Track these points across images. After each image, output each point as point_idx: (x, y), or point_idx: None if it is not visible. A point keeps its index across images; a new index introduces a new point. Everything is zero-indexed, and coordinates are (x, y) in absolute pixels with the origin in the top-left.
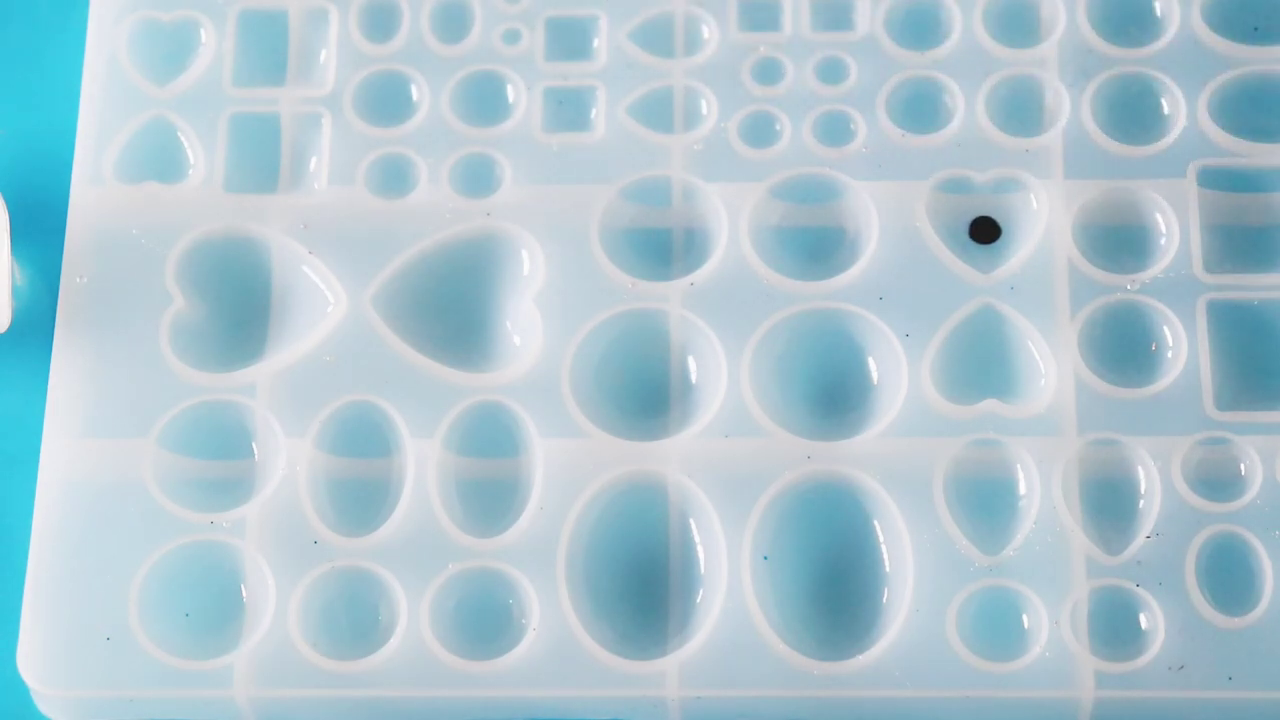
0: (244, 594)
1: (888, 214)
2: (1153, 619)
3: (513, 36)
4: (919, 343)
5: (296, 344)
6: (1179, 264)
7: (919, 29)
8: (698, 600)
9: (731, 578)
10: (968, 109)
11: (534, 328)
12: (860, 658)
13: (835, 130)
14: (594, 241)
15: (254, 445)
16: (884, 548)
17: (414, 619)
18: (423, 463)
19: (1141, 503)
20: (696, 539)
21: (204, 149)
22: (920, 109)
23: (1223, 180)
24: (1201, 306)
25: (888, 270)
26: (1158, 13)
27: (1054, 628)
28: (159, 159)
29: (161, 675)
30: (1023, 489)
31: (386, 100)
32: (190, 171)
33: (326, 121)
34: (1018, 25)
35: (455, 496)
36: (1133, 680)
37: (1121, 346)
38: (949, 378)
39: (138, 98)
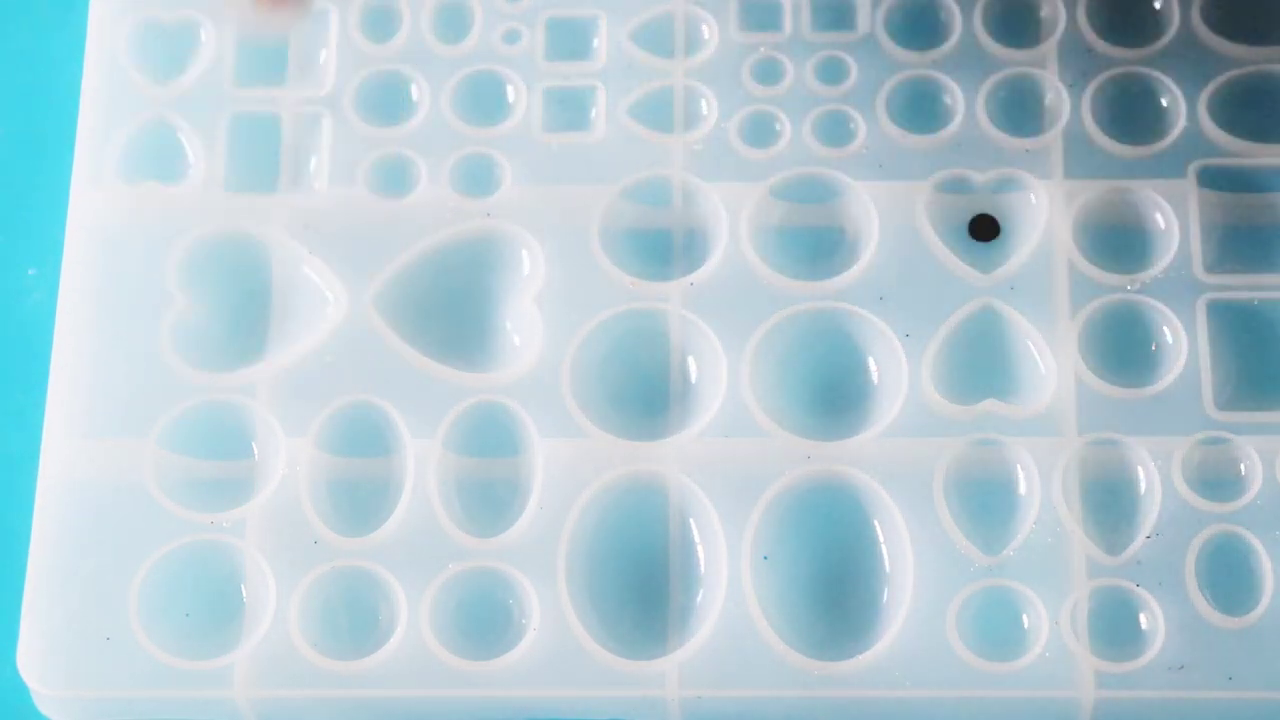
0: (244, 594)
1: (888, 214)
2: (1153, 619)
3: (513, 36)
4: (919, 343)
5: (296, 344)
6: (1179, 264)
7: (919, 29)
8: (698, 600)
9: (731, 578)
10: (968, 109)
11: (534, 328)
12: (860, 658)
13: (835, 130)
14: (594, 241)
15: (254, 445)
16: (884, 548)
17: (414, 619)
18: (423, 463)
19: (1141, 503)
20: (696, 539)
21: (204, 149)
22: (920, 109)
23: (1223, 180)
24: (1201, 306)
25: (888, 270)
26: (1158, 13)
27: (1054, 628)
28: (159, 159)
29: (161, 675)
30: (1023, 489)
31: (386, 100)
32: (190, 171)
33: (326, 121)
34: (1018, 25)
35: (455, 496)
36: (1133, 680)
37: (1121, 346)
38: (949, 378)
39: (138, 98)
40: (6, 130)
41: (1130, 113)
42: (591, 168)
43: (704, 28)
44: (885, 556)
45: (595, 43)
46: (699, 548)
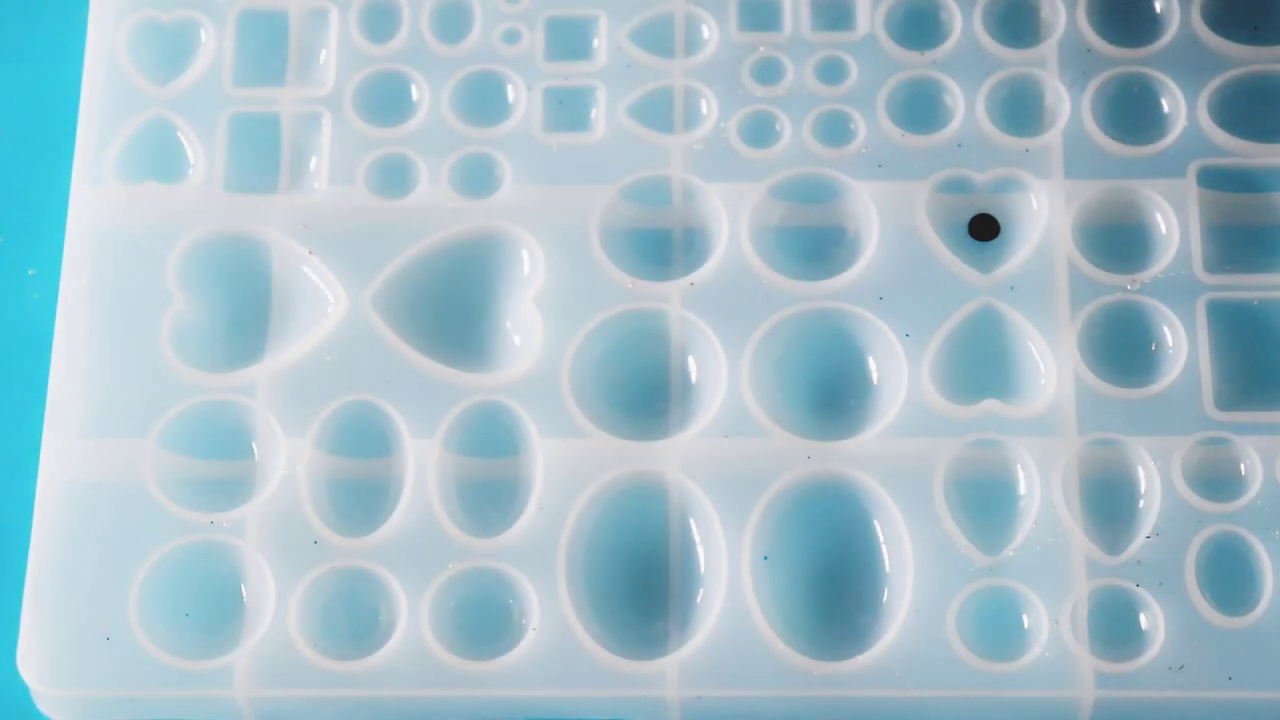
0: (244, 594)
1: (888, 214)
2: (1153, 619)
3: (513, 36)
4: (919, 343)
5: (296, 344)
6: (1179, 264)
7: (919, 29)
8: (698, 600)
9: (731, 578)
10: (968, 109)
11: (534, 328)
12: (860, 658)
13: (835, 130)
14: (594, 241)
15: (254, 445)
16: (884, 548)
17: (414, 619)
18: (423, 463)
19: (1141, 503)
20: (696, 539)
21: (204, 149)
22: (920, 109)
23: (1223, 180)
24: (1201, 306)
25: (888, 270)
26: (1158, 12)
27: (1054, 628)
28: (159, 159)
29: (161, 675)
30: (1023, 489)
31: (386, 100)
32: (190, 171)
33: (326, 121)
34: (1018, 25)
35: (455, 496)
36: (1133, 680)
37: (1121, 346)
38: (949, 378)
39: (138, 98)
40: (6, 130)
41: (1130, 113)
42: (591, 168)
43: (704, 28)
44: (885, 556)
45: (595, 43)
46: (699, 548)
